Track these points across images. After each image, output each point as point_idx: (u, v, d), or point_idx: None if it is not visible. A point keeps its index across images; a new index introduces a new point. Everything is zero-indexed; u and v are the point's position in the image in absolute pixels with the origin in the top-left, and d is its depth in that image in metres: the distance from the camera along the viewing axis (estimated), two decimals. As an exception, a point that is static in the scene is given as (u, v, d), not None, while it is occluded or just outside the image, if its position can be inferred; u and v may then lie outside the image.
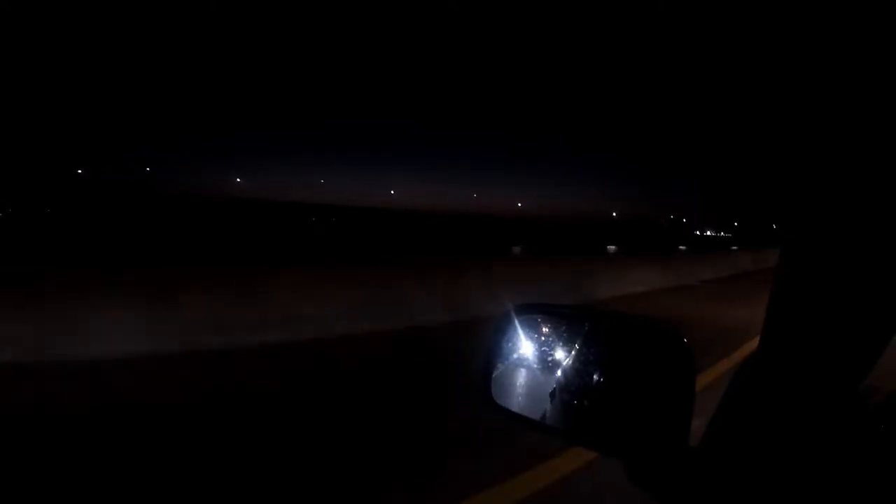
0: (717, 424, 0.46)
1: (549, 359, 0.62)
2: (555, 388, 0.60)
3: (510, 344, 0.65)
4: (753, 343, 0.47)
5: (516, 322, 0.65)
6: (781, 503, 0.41)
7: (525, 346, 0.64)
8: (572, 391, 0.59)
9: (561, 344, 0.62)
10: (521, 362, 0.65)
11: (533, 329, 0.64)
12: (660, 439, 0.49)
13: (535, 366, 0.64)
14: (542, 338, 0.64)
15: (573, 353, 0.60)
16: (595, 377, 0.57)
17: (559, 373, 0.61)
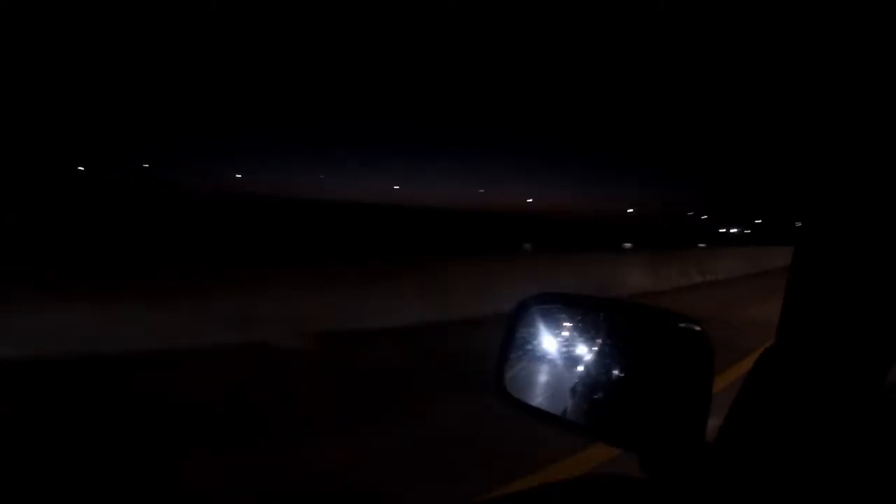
0: (734, 420, 0.47)
1: (566, 350, 0.62)
2: (575, 383, 0.60)
3: (526, 334, 0.65)
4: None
5: (533, 312, 0.65)
6: (800, 501, 0.42)
7: (542, 337, 0.64)
8: (590, 384, 0.59)
9: (579, 335, 0.62)
10: (535, 353, 0.65)
11: (550, 319, 0.64)
12: (678, 435, 0.50)
13: (550, 357, 0.64)
14: (560, 329, 0.64)
15: (591, 344, 0.60)
16: (613, 370, 0.57)
17: (577, 366, 0.61)
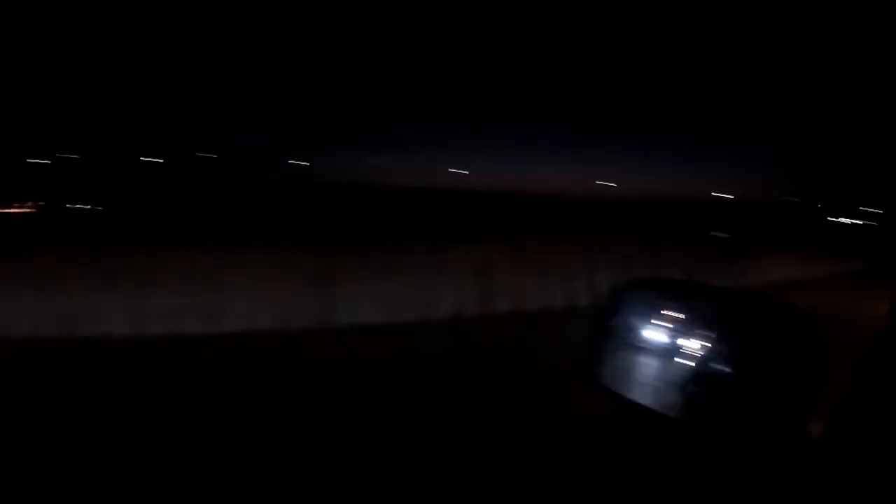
0: (842, 416, 0.45)
1: (670, 341, 0.59)
2: (683, 378, 0.57)
3: (623, 322, 0.63)
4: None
5: (630, 299, 0.63)
6: None
7: (641, 326, 0.62)
8: (696, 379, 0.56)
9: (685, 325, 0.59)
10: (634, 343, 0.62)
11: (650, 307, 0.61)
12: (783, 431, 0.49)
13: (652, 347, 0.61)
14: (662, 317, 0.61)
15: (698, 336, 0.57)
16: (722, 364, 0.55)
17: (682, 358, 0.58)
